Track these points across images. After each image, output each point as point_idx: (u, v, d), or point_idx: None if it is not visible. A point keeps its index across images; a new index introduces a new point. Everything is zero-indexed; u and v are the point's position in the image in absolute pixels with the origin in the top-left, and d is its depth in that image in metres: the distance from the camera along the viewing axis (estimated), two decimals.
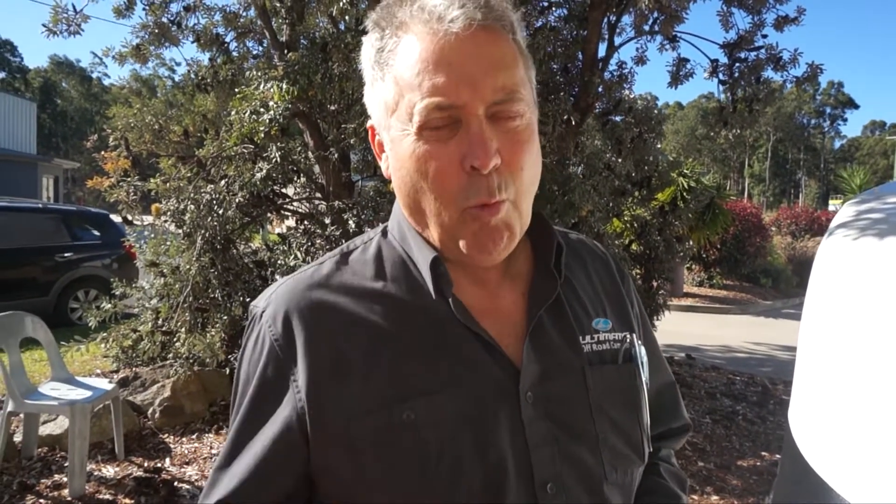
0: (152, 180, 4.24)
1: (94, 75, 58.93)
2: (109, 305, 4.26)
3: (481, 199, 0.63)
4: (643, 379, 0.77)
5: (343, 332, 0.67)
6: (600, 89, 4.69)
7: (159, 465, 3.49)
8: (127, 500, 3.07)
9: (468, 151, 0.62)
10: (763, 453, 4.06)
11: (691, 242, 9.24)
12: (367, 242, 0.76)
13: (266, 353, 0.67)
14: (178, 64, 21.40)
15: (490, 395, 0.66)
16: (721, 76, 4.75)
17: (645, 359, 0.79)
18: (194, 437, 3.90)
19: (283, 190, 4.58)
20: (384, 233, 0.77)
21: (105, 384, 3.57)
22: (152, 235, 4.40)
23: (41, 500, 3.06)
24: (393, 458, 0.63)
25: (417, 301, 0.69)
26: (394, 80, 0.65)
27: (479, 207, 0.64)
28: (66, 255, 7.52)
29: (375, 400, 0.64)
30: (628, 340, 0.78)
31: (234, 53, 5.25)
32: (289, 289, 0.70)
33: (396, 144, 0.66)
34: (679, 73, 4.86)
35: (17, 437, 3.55)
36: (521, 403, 0.66)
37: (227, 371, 4.20)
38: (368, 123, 0.74)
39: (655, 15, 4.49)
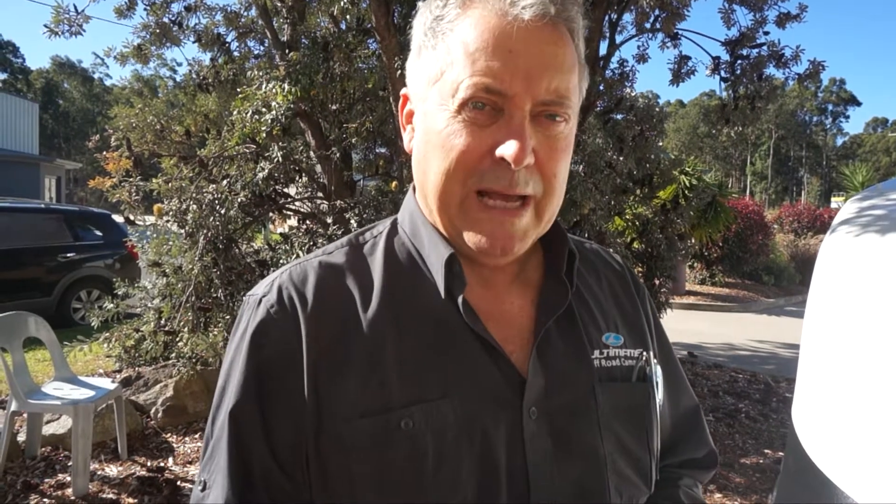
0: (154, 180, 4.24)
1: (96, 76, 59.17)
2: (112, 305, 4.27)
3: (500, 187, 0.60)
4: (657, 401, 0.73)
5: (347, 328, 0.63)
6: (601, 87, 4.69)
7: (162, 464, 3.50)
8: (130, 500, 3.08)
9: (504, 142, 0.59)
10: (766, 451, 4.06)
11: (693, 240, 9.23)
12: (377, 237, 0.72)
13: (267, 342, 0.63)
14: (180, 64, 21.53)
15: (492, 407, 0.62)
16: (723, 73, 4.74)
17: (660, 379, 0.75)
18: (197, 436, 3.91)
19: (285, 189, 4.57)
20: (394, 226, 0.73)
21: (108, 384, 3.58)
22: (154, 235, 4.39)
23: (45, 500, 3.06)
24: (387, 466, 0.59)
25: (424, 301, 0.66)
26: (446, 51, 0.61)
27: (496, 202, 0.61)
28: (68, 255, 7.53)
29: (373, 404, 0.60)
30: (644, 358, 0.73)
31: (236, 53, 5.24)
32: (295, 275, 0.66)
33: (429, 117, 0.64)
34: (680, 71, 4.85)
35: (21, 437, 3.56)
36: (524, 418, 0.63)
37: None
38: (402, 91, 0.72)
39: (657, 12, 4.49)
